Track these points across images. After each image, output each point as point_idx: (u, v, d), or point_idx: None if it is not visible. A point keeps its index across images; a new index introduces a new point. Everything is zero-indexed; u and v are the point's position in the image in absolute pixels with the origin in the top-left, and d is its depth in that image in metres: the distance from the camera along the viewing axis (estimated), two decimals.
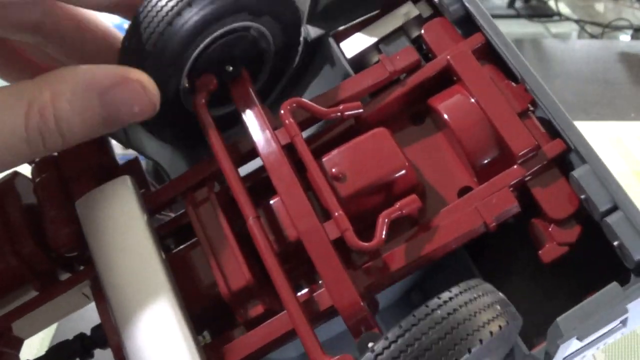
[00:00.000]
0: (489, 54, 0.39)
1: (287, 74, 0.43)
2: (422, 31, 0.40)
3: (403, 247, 0.35)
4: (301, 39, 0.41)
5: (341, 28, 0.44)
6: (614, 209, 0.34)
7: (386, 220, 0.34)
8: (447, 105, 0.38)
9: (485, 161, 0.37)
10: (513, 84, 0.38)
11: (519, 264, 0.41)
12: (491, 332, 0.29)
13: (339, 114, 0.37)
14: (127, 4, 0.37)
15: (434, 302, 0.29)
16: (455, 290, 0.30)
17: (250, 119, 0.38)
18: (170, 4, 0.35)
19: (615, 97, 1.19)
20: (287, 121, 0.36)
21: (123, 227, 0.36)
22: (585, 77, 1.26)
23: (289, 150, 0.37)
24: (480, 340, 0.29)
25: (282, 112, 0.37)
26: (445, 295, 0.30)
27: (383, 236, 0.34)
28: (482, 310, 0.30)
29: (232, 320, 0.37)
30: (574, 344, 0.32)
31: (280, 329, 0.34)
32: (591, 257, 0.36)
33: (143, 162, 0.42)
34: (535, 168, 0.36)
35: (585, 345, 0.34)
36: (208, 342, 0.37)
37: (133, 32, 0.36)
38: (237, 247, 0.36)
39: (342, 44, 0.43)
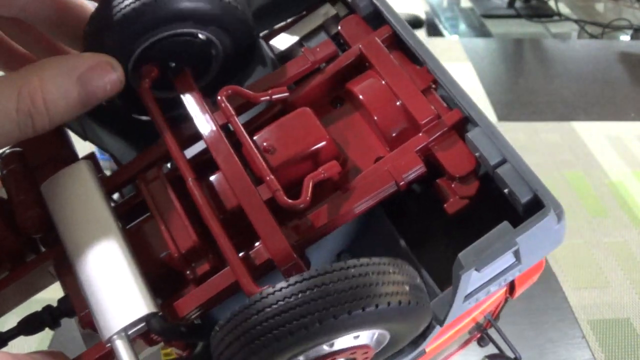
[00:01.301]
0: (396, 42, 0.45)
1: (241, 73, 0.48)
2: (339, 27, 0.46)
3: (326, 207, 0.41)
4: (254, 46, 0.47)
5: (270, 30, 0.50)
6: (503, 161, 0.40)
7: (311, 181, 0.40)
8: (361, 88, 0.44)
9: (395, 132, 0.43)
10: (417, 67, 0.44)
11: (433, 226, 0.47)
12: (389, 303, 0.33)
13: (267, 97, 0.43)
14: None
15: (352, 261, 0.34)
16: (376, 259, 0.35)
17: (192, 105, 0.43)
18: (127, 2, 0.41)
19: (615, 97, 1.24)
20: (223, 105, 0.42)
21: (84, 203, 0.41)
22: (585, 77, 1.31)
23: (227, 132, 0.42)
24: (376, 305, 0.33)
25: (219, 97, 0.42)
26: (364, 260, 0.35)
27: (308, 196, 0.39)
28: (390, 283, 0.34)
29: (183, 286, 0.42)
30: (474, 276, 0.38)
31: (226, 282, 0.40)
32: (491, 210, 0.42)
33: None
34: (437, 134, 0.42)
35: (487, 281, 0.40)
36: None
37: (95, 17, 0.42)
38: (184, 214, 0.41)
39: (271, 42, 0.49)
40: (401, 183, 0.41)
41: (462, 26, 1.76)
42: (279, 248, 0.38)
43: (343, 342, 0.36)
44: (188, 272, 0.41)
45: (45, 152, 0.44)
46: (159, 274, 0.42)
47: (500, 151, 0.40)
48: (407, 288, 0.35)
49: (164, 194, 0.42)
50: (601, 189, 1.05)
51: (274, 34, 0.50)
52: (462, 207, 0.41)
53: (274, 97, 0.43)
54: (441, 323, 0.41)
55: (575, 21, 1.55)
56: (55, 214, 0.41)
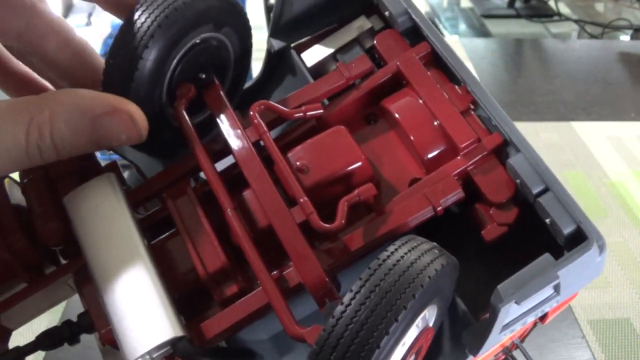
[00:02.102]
0: (434, 60, 0.44)
1: (244, 81, 0.47)
2: (375, 41, 0.45)
3: (360, 230, 0.39)
4: (251, 47, 0.46)
5: (302, 40, 0.48)
6: (545, 190, 0.38)
7: (345, 204, 0.38)
8: (397, 106, 0.43)
9: (432, 154, 0.42)
10: (456, 86, 0.43)
11: (468, 250, 0.45)
12: (436, 270, 0.33)
13: (301, 114, 0.42)
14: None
15: (383, 254, 0.33)
16: (397, 243, 0.34)
17: (223, 120, 0.42)
18: (146, 24, 0.39)
19: (615, 97, 1.22)
20: (255, 121, 0.40)
21: (109, 218, 0.40)
22: (585, 77, 1.28)
23: (258, 148, 0.41)
24: (429, 277, 0.33)
25: (251, 113, 0.41)
26: (390, 248, 0.34)
27: (343, 219, 0.38)
28: (425, 253, 0.34)
29: (208, 305, 0.40)
30: (513, 309, 0.37)
31: (254, 305, 0.38)
32: (530, 238, 0.41)
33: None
34: (477, 158, 0.40)
35: (524, 312, 0.39)
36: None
37: (114, 54, 0.40)
38: (213, 233, 0.40)
39: (303, 55, 0.47)
40: (438, 208, 0.40)
41: (462, 26, 1.74)
42: (312, 274, 0.37)
43: (412, 334, 0.35)
44: (215, 292, 0.40)
45: (67, 162, 0.43)
46: (183, 293, 0.40)
47: (542, 179, 0.38)
48: (437, 251, 0.34)
49: (192, 211, 0.41)
50: (601, 189, 1.04)
51: (305, 45, 0.48)
52: (500, 235, 0.40)
53: (307, 114, 0.42)
54: (475, 353, 0.39)
55: (575, 21, 1.54)
56: (78, 227, 0.40)
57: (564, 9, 1.58)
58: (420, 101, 0.42)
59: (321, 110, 0.42)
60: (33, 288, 0.42)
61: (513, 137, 0.40)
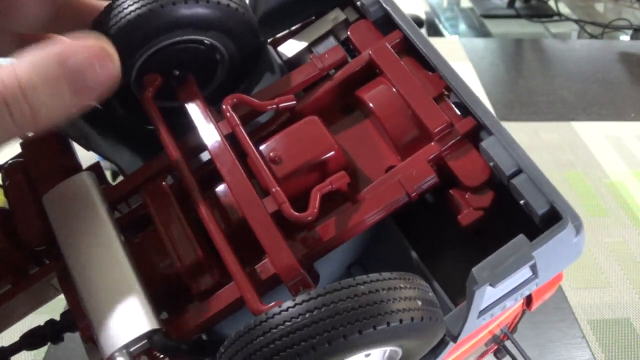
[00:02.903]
0: (407, 48, 0.44)
1: (246, 79, 0.47)
2: (348, 32, 0.45)
3: (335, 219, 0.39)
4: (260, 50, 0.46)
5: (278, 35, 0.48)
6: (518, 172, 0.38)
7: (318, 193, 0.38)
8: (371, 95, 0.43)
9: (407, 141, 0.42)
10: (430, 73, 0.43)
11: (447, 237, 0.45)
12: (401, 320, 0.32)
13: (274, 106, 0.42)
14: None
15: (360, 278, 0.33)
16: (386, 274, 0.33)
17: (196, 114, 0.42)
18: (130, 8, 0.40)
19: (615, 97, 1.23)
20: (227, 113, 0.41)
21: (84, 215, 0.40)
22: (585, 77, 1.29)
23: (232, 141, 0.41)
24: (388, 323, 0.31)
25: (223, 106, 0.41)
26: (374, 276, 0.33)
27: (315, 208, 0.38)
28: (401, 299, 0.32)
29: (190, 301, 0.41)
30: (489, 292, 0.36)
31: (231, 296, 0.38)
32: (508, 222, 0.41)
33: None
34: (450, 143, 0.40)
35: (502, 295, 0.38)
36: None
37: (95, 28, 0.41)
38: (189, 228, 0.40)
39: (279, 49, 0.47)
40: (412, 194, 0.39)
41: (462, 26, 1.74)
42: (285, 263, 0.37)
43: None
44: (193, 286, 0.40)
45: (48, 163, 0.43)
46: (163, 289, 0.40)
47: (516, 161, 0.38)
48: (419, 304, 0.33)
49: (168, 206, 0.41)
50: (601, 189, 1.05)
51: (282, 40, 0.48)
52: (476, 219, 0.40)
53: (280, 105, 0.42)
54: (455, 339, 0.39)
55: (575, 21, 1.54)
56: (56, 226, 0.40)
57: (564, 9, 1.58)
58: (394, 89, 0.42)
59: (294, 102, 0.42)
60: (17, 289, 0.43)
61: (486, 121, 0.40)
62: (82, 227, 0.40)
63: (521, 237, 0.36)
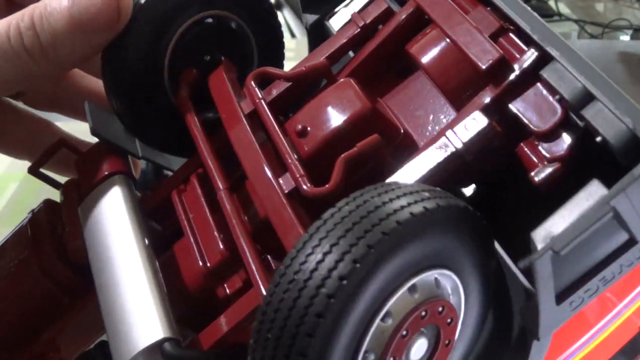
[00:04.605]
0: None
1: (279, 60, 0.42)
2: None
3: None
4: (278, 22, 0.41)
5: (336, 9, 0.43)
6: (590, 99, 0.28)
7: (343, 161, 0.31)
8: (418, 47, 0.35)
9: (463, 93, 0.33)
10: (487, 8, 0.34)
11: (528, 209, 0.35)
12: (412, 213, 0.25)
13: (302, 71, 0.36)
14: None
15: (341, 201, 0.27)
16: (369, 187, 0.27)
17: (219, 98, 0.37)
18: None
19: None
20: (250, 87, 0.35)
21: (109, 221, 0.37)
22: None
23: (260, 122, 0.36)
24: (398, 222, 0.25)
25: (246, 82, 0.36)
26: (356, 192, 0.27)
27: (338, 179, 0.31)
28: (400, 196, 0.26)
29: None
30: (559, 263, 0.27)
31: (255, 301, 0.32)
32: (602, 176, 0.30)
33: None
34: (508, 81, 0.31)
35: (590, 270, 0.28)
36: None
37: None
38: (216, 226, 0.35)
39: (331, 21, 0.42)
40: (463, 151, 0.31)
41: None
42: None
43: (402, 302, 0.27)
44: (219, 289, 0.34)
45: (96, 177, 0.41)
46: (198, 301, 0.36)
47: (584, 86, 0.28)
48: (426, 194, 0.27)
49: (197, 207, 0.36)
50: None
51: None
52: (552, 175, 0.30)
53: (310, 71, 0.36)
54: (536, 336, 0.29)
55: (575, 21, 1.44)
56: (86, 236, 0.37)
57: (564, 9, 1.48)
58: (445, 37, 0.34)
59: (324, 65, 0.36)
60: (78, 309, 0.40)
61: (545, 43, 0.30)
62: (104, 234, 0.37)
63: (594, 183, 0.26)
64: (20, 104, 0.49)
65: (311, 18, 0.44)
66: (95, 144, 0.42)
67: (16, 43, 0.36)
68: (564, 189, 0.30)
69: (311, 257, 0.25)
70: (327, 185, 0.31)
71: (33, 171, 0.43)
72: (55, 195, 0.43)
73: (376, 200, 0.26)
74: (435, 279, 0.28)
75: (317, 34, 0.43)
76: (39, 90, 0.48)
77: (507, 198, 0.36)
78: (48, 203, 0.43)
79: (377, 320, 0.26)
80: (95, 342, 0.43)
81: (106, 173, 0.40)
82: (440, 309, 0.28)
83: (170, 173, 0.44)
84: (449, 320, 0.29)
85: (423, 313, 0.28)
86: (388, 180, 0.32)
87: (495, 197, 0.36)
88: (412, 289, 0.27)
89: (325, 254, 0.25)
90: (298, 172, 0.32)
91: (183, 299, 0.35)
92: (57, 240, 0.41)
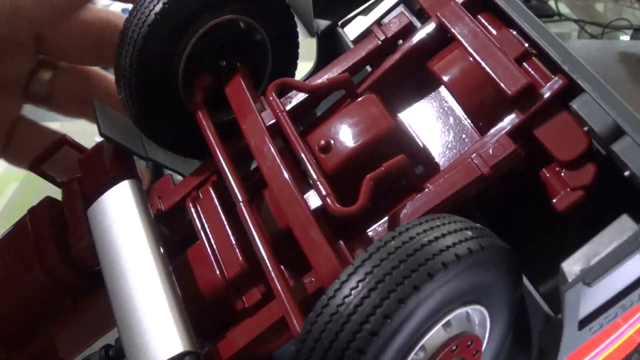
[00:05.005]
0: (484, 3, 0.36)
1: (292, 67, 0.42)
2: None
3: (396, 213, 0.32)
4: (295, 25, 0.41)
5: (350, 16, 0.43)
6: (619, 134, 0.29)
7: (370, 182, 0.31)
8: (440, 65, 0.35)
9: (486, 115, 0.34)
10: (511, 31, 0.35)
11: (549, 233, 0.36)
12: (457, 255, 0.26)
13: (323, 84, 0.36)
14: None
15: (390, 233, 0.27)
16: (414, 221, 0.28)
17: (239, 107, 0.37)
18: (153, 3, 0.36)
19: None
20: (270, 98, 0.35)
21: (122, 227, 0.36)
22: None
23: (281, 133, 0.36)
24: (444, 264, 0.25)
25: (267, 92, 0.36)
26: (404, 225, 0.27)
27: (366, 199, 0.31)
28: (445, 235, 0.27)
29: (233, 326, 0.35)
30: (587, 293, 0.28)
31: (276, 314, 0.32)
32: (621, 204, 0.31)
33: None
34: (535, 108, 0.32)
35: (612, 299, 0.29)
36: None
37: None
38: (234, 237, 0.35)
39: (346, 29, 0.42)
40: (487, 174, 0.31)
41: None
42: (327, 269, 0.30)
43: (436, 337, 0.28)
44: (237, 301, 0.34)
45: (102, 177, 0.40)
46: (209, 310, 0.36)
47: (614, 120, 0.29)
48: (470, 233, 0.27)
49: (213, 216, 0.36)
50: None
51: (352, 20, 0.42)
52: (575, 202, 0.31)
53: (332, 84, 0.36)
54: (555, 358, 0.30)
55: (575, 21, 1.43)
56: (97, 240, 0.37)
57: (564, 9, 1.47)
58: (466, 54, 0.34)
59: (347, 78, 0.36)
60: (80, 310, 0.40)
61: (577, 75, 0.31)
62: (116, 239, 0.36)
63: (624, 219, 0.27)
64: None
65: (323, 24, 0.43)
66: (99, 143, 0.41)
67: None
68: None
69: (355, 292, 0.25)
70: (355, 206, 0.31)
71: (34, 167, 0.42)
72: (57, 195, 0.42)
73: (422, 239, 0.26)
74: (467, 312, 0.29)
75: (328, 40, 0.43)
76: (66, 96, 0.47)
77: (519, 216, 0.37)
78: (49, 200, 0.42)
79: (412, 355, 0.27)
80: (94, 343, 0.43)
81: (116, 176, 0.39)
82: (469, 342, 0.29)
83: (167, 172, 0.44)
84: (474, 352, 0.30)
85: (454, 347, 0.28)
86: (417, 202, 0.32)
87: (507, 215, 0.37)
88: (447, 324, 0.28)
89: (370, 290, 0.25)
90: (325, 190, 0.32)
91: (195, 307, 0.35)
92: (60, 240, 0.40)
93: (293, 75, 0.42)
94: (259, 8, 0.38)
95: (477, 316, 0.30)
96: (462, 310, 0.28)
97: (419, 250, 0.26)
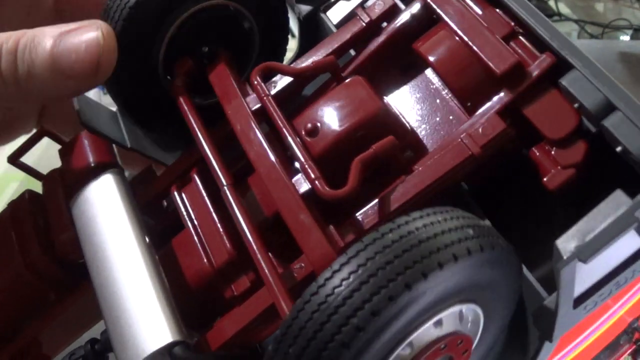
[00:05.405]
0: None
1: (280, 53, 0.41)
2: None
3: (385, 196, 0.32)
4: (286, 12, 0.40)
5: (331, 1, 0.42)
6: (611, 109, 0.29)
7: (359, 164, 0.31)
8: (427, 45, 0.35)
9: (474, 95, 0.33)
10: (497, 10, 0.34)
11: (537, 209, 0.36)
12: (455, 256, 0.25)
13: (309, 67, 0.35)
14: None
15: (387, 226, 0.26)
16: (416, 213, 0.27)
17: (222, 90, 0.36)
18: None
19: None
20: (255, 83, 0.35)
21: (107, 218, 0.36)
22: None
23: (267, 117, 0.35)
24: (440, 264, 0.25)
25: (252, 77, 0.35)
26: (401, 219, 0.27)
27: (355, 182, 0.31)
28: (445, 232, 0.26)
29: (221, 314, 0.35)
30: (583, 270, 0.27)
31: (265, 302, 0.32)
32: (612, 181, 0.31)
33: None
34: (523, 86, 0.32)
35: (606, 276, 0.29)
36: None
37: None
38: (221, 224, 0.34)
39: (329, 13, 0.41)
40: (477, 153, 0.31)
41: None
42: (318, 252, 0.30)
43: (425, 335, 0.28)
44: (226, 290, 0.34)
45: (83, 168, 0.39)
46: (197, 299, 0.35)
47: (605, 96, 0.29)
48: (471, 232, 0.27)
49: (199, 204, 0.35)
50: None
51: (334, 4, 0.42)
52: (566, 180, 0.31)
53: (317, 68, 0.35)
54: (548, 337, 0.30)
55: (575, 21, 1.46)
56: (80, 233, 0.36)
57: (564, 9, 1.50)
58: (452, 34, 0.34)
59: (333, 62, 0.35)
60: (64, 305, 0.39)
61: (566, 52, 0.31)
62: (102, 231, 0.35)
63: (617, 194, 0.27)
64: None
65: (305, 9, 0.43)
66: (78, 134, 0.40)
67: None
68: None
69: (346, 283, 0.25)
70: (345, 188, 0.30)
71: (12, 161, 0.41)
72: None
73: (421, 234, 0.26)
74: (460, 311, 0.29)
75: (310, 26, 0.43)
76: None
77: (508, 195, 0.37)
78: (29, 194, 0.41)
79: (398, 350, 0.27)
80: (79, 338, 0.42)
81: (97, 166, 0.38)
82: (459, 341, 0.29)
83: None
84: (463, 351, 0.30)
85: (442, 346, 0.28)
86: (408, 181, 0.32)
87: (495, 193, 0.36)
88: (438, 322, 0.28)
89: (362, 283, 0.25)
90: (314, 173, 0.31)
91: (183, 297, 0.34)
92: (42, 234, 0.39)
93: (281, 61, 0.41)
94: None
95: (470, 314, 0.29)
96: (455, 309, 0.28)
97: (416, 247, 0.25)
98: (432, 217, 0.27)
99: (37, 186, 0.42)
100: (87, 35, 0.34)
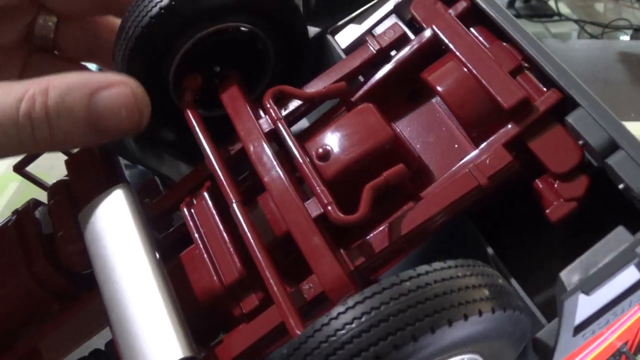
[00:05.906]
0: (477, 16, 0.37)
1: (295, 76, 0.42)
2: (411, 8, 0.39)
3: (395, 222, 0.33)
4: (306, 40, 0.41)
5: (339, 23, 0.43)
6: (614, 148, 0.30)
7: (371, 191, 0.32)
8: (435, 75, 0.36)
9: (481, 126, 0.35)
10: (504, 43, 0.36)
11: (540, 240, 0.37)
12: (466, 315, 0.26)
13: (321, 93, 0.36)
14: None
15: (406, 273, 0.27)
16: (438, 264, 0.28)
17: (235, 111, 0.37)
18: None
19: (615, 97, 1.15)
20: (268, 106, 0.36)
21: (117, 232, 0.36)
22: (585, 77, 1.21)
23: (277, 139, 0.36)
24: (449, 321, 0.26)
25: (264, 100, 0.36)
26: (422, 268, 0.27)
27: (367, 208, 0.32)
28: (461, 289, 0.27)
29: (229, 330, 0.35)
30: (584, 301, 0.29)
31: (274, 321, 0.32)
32: (611, 214, 0.33)
33: None
34: (530, 121, 0.33)
35: (605, 306, 0.31)
36: None
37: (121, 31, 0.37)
38: (231, 242, 0.35)
39: (337, 37, 0.42)
40: (484, 184, 0.32)
41: None
42: (330, 276, 0.31)
43: None
44: (234, 308, 0.34)
45: (90, 180, 0.40)
46: (205, 315, 0.36)
47: (610, 135, 0.30)
48: (487, 293, 0.27)
49: (208, 221, 0.36)
50: None
51: (343, 27, 0.43)
52: (568, 213, 0.32)
53: (329, 93, 0.36)
54: None
55: (575, 21, 1.48)
56: (89, 245, 0.36)
57: (564, 9, 1.53)
58: (461, 65, 0.35)
59: (344, 88, 0.36)
60: (66, 315, 0.40)
61: (573, 90, 0.32)
62: (112, 244, 0.36)
63: (620, 230, 0.28)
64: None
65: (312, 30, 0.44)
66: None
67: (25, 134, 0.33)
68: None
69: (357, 322, 0.25)
70: (357, 214, 0.31)
71: (18, 170, 0.42)
72: None
73: (437, 288, 0.26)
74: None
75: (317, 48, 0.44)
76: (77, 45, 0.46)
77: (507, 219, 0.38)
78: (34, 203, 0.41)
79: None
80: (77, 348, 0.42)
81: (106, 180, 0.39)
82: None
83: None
84: None
85: None
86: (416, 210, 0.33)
87: (495, 216, 0.38)
88: None
89: (372, 326, 0.25)
90: (327, 199, 0.32)
91: (189, 312, 0.35)
92: (47, 244, 0.40)
93: (295, 84, 0.42)
94: (267, 20, 0.38)
95: None
96: (456, 358, 0.28)
97: (430, 300, 0.26)
98: (452, 271, 0.27)
99: (35, 187, 0.42)
100: (120, 96, 0.34)
